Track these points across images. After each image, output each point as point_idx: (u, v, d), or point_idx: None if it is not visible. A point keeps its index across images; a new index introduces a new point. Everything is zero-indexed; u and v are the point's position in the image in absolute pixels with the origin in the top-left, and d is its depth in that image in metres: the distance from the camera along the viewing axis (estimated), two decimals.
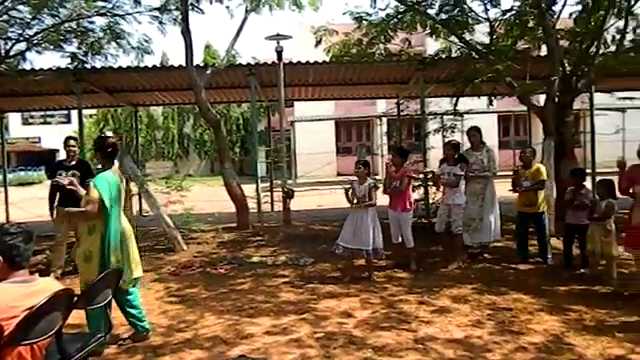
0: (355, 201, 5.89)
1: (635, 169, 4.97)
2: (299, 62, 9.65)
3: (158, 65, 10.70)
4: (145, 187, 8.02)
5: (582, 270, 5.78)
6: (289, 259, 6.95)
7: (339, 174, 22.93)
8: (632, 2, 7.65)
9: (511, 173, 6.70)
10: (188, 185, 9.10)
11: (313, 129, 23.74)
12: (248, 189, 10.05)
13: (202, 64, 11.90)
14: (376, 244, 5.78)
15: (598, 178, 6.26)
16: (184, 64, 9.10)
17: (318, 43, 10.16)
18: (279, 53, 9.52)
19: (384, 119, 20.72)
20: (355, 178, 5.97)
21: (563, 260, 6.07)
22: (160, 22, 9.55)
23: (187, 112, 32.03)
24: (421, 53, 13.08)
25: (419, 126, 10.26)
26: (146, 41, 9.82)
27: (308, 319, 4.54)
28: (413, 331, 4.17)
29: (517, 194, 6.47)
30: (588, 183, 6.59)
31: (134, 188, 7.67)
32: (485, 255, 6.66)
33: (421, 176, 8.76)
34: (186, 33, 9.03)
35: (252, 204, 9.68)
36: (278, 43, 9.60)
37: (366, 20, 9.29)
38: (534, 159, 6.55)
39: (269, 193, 11.69)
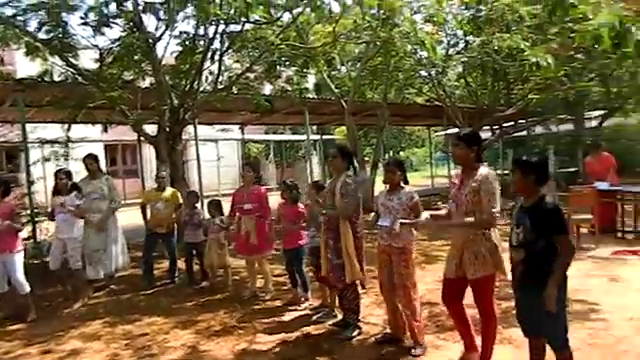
0: None
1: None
2: None
3: None
4: None
5: (203, 283, 6.38)
6: None
7: None
8: (223, 51, 9.02)
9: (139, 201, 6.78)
10: None
11: None
12: None
13: None
14: None
15: (207, 200, 7.06)
16: None
17: None
18: None
19: None
20: None
21: (187, 277, 6.54)
22: None
23: None
24: (11, 73, 11.55)
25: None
26: None
27: None
28: None
29: (150, 217, 6.58)
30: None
31: None
32: (112, 286, 6.45)
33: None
34: None
35: None
36: None
37: None
38: (167, 183, 6.83)
39: None
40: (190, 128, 10.64)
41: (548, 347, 3.00)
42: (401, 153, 34.40)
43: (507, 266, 3.20)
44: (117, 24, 8.38)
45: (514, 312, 3.19)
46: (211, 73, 9.46)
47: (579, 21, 6.72)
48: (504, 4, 8.24)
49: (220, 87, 9.39)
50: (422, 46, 7.70)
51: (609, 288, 5.34)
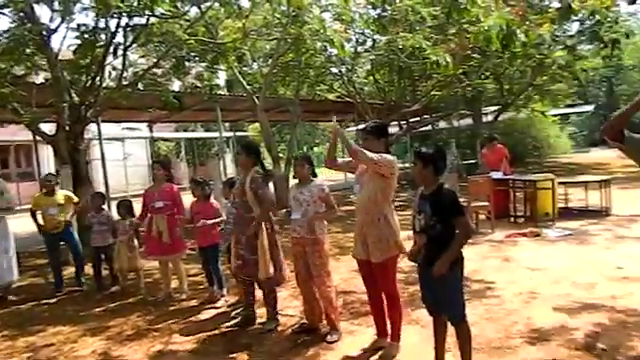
0: None
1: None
2: None
3: None
4: None
5: (113, 288, 6.11)
6: None
7: None
8: (127, 46, 8.59)
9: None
10: None
11: None
12: None
13: None
14: None
15: (115, 201, 6.74)
16: None
17: None
18: None
19: None
20: None
21: (95, 283, 6.22)
22: None
23: None
24: None
25: None
26: None
27: None
28: None
29: (44, 223, 6.14)
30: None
31: None
32: (10, 297, 5.98)
33: None
34: None
35: None
36: None
37: None
38: (57, 186, 6.38)
39: None
40: (93, 126, 10.08)
41: (450, 324, 3.26)
42: (315, 149, 34.90)
43: (408, 247, 3.42)
44: (5, 14, 7.75)
45: (420, 295, 3.43)
46: (114, 68, 9.01)
47: (474, 23, 7.28)
48: (407, 5, 8.69)
49: (125, 83, 8.98)
50: (331, 44, 7.92)
51: (502, 267, 5.87)
